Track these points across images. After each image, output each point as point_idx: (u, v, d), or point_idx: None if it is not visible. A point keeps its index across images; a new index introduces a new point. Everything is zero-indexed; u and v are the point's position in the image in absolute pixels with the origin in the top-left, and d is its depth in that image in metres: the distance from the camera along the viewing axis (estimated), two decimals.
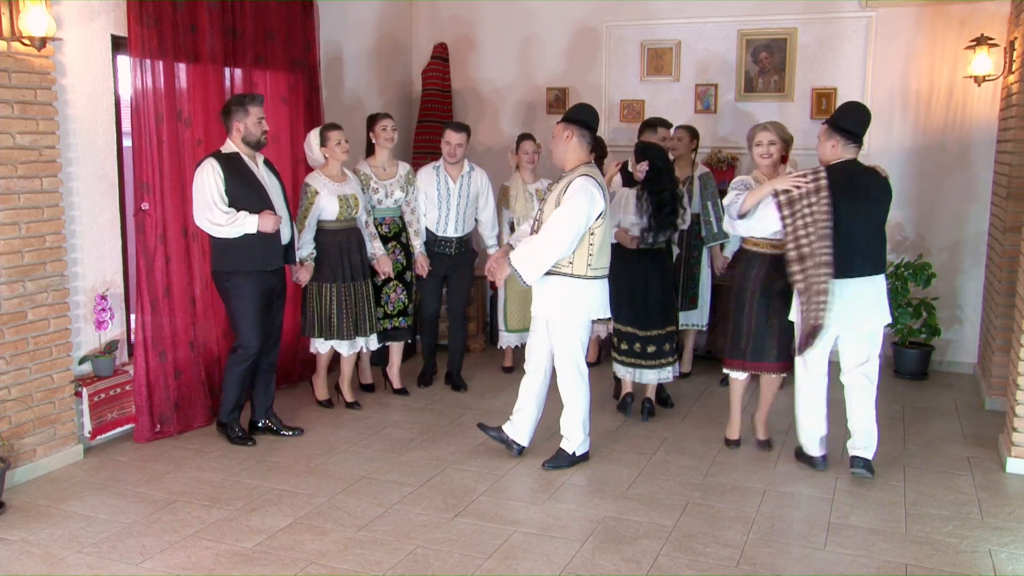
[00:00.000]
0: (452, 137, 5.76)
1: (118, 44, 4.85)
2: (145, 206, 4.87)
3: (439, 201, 5.83)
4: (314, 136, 5.36)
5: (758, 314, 4.67)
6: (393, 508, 4.16)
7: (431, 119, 7.27)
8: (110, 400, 4.81)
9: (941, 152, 6.44)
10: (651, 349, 5.22)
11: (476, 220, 6.03)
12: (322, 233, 5.30)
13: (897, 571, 3.59)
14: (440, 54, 7.45)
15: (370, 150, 5.82)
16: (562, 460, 4.65)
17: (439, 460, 4.77)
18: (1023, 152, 5.44)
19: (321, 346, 5.46)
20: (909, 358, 6.38)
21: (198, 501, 4.22)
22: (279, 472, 4.59)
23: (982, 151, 6.33)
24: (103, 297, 4.74)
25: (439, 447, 4.97)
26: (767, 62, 6.77)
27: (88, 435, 4.72)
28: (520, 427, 4.75)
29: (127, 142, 4.94)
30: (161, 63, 4.87)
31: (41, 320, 4.47)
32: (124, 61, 4.86)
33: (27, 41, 4.19)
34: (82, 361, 4.76)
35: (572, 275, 4.42)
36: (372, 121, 5.76)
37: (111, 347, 4.85)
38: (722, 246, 5.98)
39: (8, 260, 4.29)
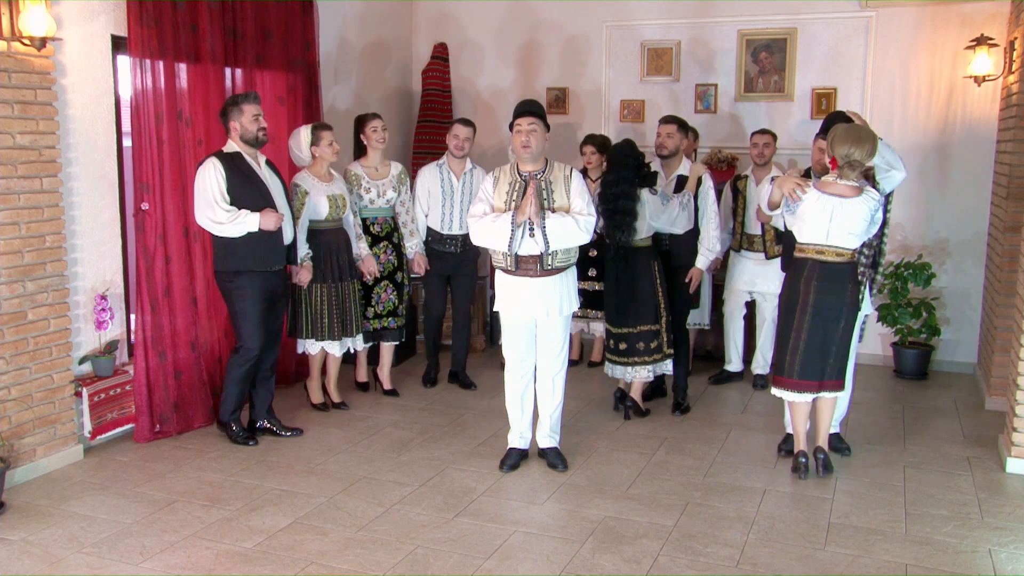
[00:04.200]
0: (460, 131, 5.82)
1: (118, 44, 4.85)
2: (145, 206, 4.86)
3: (443, 199, 5.85)
4: (305, 134, 5.33)
5: (810, 328, 4.35)
6: (393, 508, 4.16)
7: (431, 119, 7.27)
8: (110, 400, 4.82)
9: (941, 152, 6.44)
10: (623, 347, 5.26)
11: None
12: (311, 233, 5.28)
13: (897, 571, 3.59)
14: (440, 54, 7.45)
15: (360, 151, 5.82)
16: (563, 457, 4.67)
17: (439, 460, 4.77)
18: (1023, 152, 5.45)
19: (312, 347, 5.45)
20: (909, 358, 6.38)
21: (198, 501, 4.22)
22: (279, 472, 4.59)
23: (982, 151, 6.33)
24: (103, 297, 4.74)
25: (439, 447, 4.97)
26: (767, 62, 6.77)
27: (88, 435, 4.72)
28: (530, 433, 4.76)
29: (127, 142, 4.94)
30: (161, 63, 4.87)
31: (41, 320, 4.47)
32: (124, 61, 4.86)
33: (27, 41, 4.19)
34: (82, 361, 4.76)
35: (573, 264, 4.51)
36: (361, 122, 5.77)
37: (111, 347, 4.85)
38: None
39: (8, 260, 4.29)
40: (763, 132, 5.97)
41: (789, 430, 4.79)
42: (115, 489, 4.36)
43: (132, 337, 5.10)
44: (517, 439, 4.69)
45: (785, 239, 4.65)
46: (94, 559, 3.66)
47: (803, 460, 4.48)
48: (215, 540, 3.82)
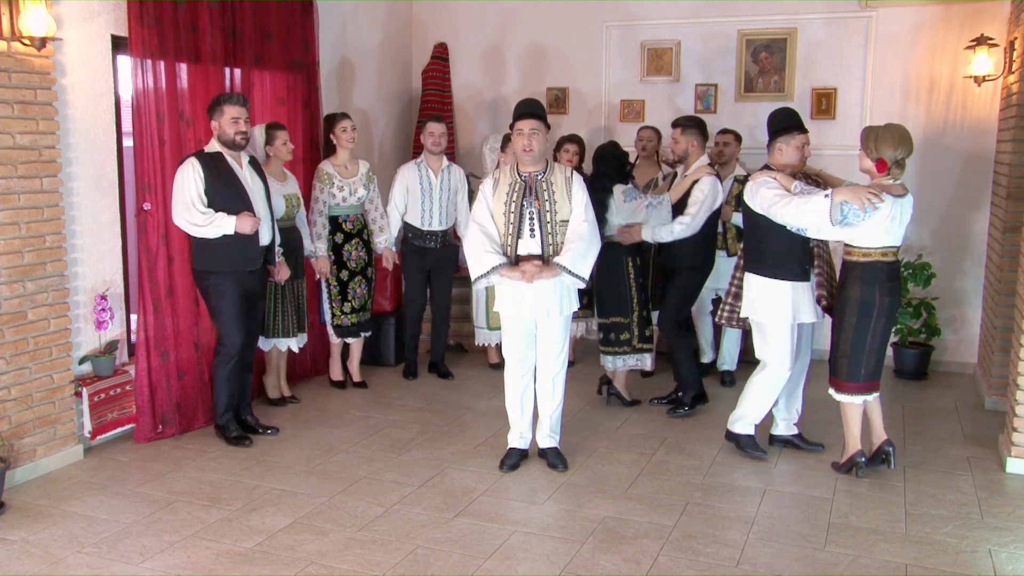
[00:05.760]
0: (436, 128, 5.98)
1: (118, 44, 4.85)
2: (147, 206, 4.87)
3: (422, 195, 5.99)
4: (259, 133, 5.36)
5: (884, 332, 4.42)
6: (393, 508, 4.16)
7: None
8: (110, 400, 4.81)
9: (941, 152, 6.44)
10: (600, 335, 5.43)
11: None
12: None
13: (897, 571, 3.59)
14: (440, 54, 7.46)
15: (329, 150, 5.92)
16: (563, 457, 4.67)
17: (439, 460, 4.77)
18: (1023, 152, 5.45)
19: (264, 344, 5.51)
20: (909, 358, 6.38)
21: (198, 501, 4.22)
22: (279, 472, 4.59)
23: (982, 151, 6.33)
24: (103, 297, 4.74)
25: (439, 447, 4.97)
26: (767, 62, 6.78)
27: (88, 435, 4.72)
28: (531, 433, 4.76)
29: (127, 142, 4.94)
30: (162, 63, 4.87)
31: (41, 320, 4.47)
32: (124, 61, 4.86)
33: (27, 41, 4.19)
34: (82, 361, 4.76)
35: None
36: (331, 121, 5.87)
37: (111, 347, 4.85)
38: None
39: (8, 260, 4.29)
40: (725, 132, 6.10)
41: (749, 431, 4.82)
42: (115, 489, 4.36)
43: (132, 337, 5.10)
44: (517, 439, 4.69)
45: (755, 239, 4.60)
46: (94, 559, 3.66)
47: (862, 460, 4.51)
48: (215, 540, 3.82)
